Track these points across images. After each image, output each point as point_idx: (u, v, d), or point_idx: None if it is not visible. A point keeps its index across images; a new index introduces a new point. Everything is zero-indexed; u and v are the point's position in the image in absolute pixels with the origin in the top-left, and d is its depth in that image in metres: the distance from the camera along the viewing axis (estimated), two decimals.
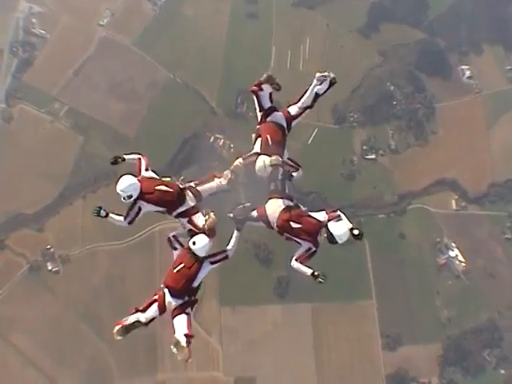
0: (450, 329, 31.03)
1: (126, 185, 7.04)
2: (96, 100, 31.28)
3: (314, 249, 7.08)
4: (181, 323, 6.84)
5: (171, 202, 7.36)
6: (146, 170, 7.49)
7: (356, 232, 6.89)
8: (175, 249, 7.46)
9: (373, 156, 31.24)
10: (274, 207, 7.37)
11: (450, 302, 31.04)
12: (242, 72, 30.40)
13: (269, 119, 7.72)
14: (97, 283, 29.89)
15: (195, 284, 7.09)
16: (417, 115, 31.79)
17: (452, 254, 31.37)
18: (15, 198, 30.82)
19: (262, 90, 7.62)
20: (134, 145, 30.91)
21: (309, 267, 7.09)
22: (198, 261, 7.03)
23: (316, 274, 7.01)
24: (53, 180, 30.87)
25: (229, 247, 7.39)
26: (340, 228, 6.87)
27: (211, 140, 30.75)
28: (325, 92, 7.76)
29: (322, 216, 7.12)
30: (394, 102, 31.87)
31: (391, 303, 30.42)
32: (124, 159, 7.53)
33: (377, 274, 30.56)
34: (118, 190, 7.06)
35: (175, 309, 6.97)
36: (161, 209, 7.41)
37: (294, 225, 7.05)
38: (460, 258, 31.34)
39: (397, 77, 32.38)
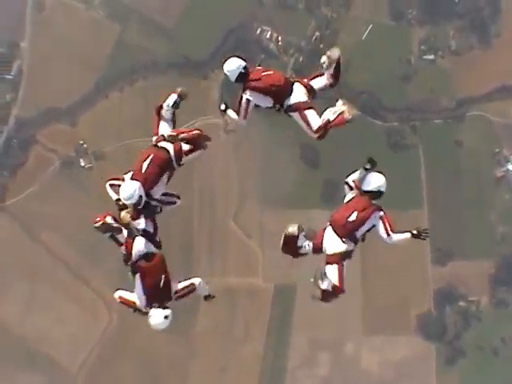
0: (503, 246, 29.08)
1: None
2: None
3: (381, 212, 6.37)
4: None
5: (279, 91, 6.44)
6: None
7: (368, 166, 6.39)
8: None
9: (431, 56, 28.80)
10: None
11: (505, 218, 28.93)
12: None
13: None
14: None
15: None
16: (481, 15, 29.13)
17: (511, 167, 29.16)
18: (47, 91, 29.02)
19: None
20: (174, 35, 28.91)
21: (404, 231, 6.33)
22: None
23: (415, 233, 6.21)
24: (87, 71, 28.95)
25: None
26: (374, 180, 6.34)
27: (258, 32, 28.54)
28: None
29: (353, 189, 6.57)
30: (457, 0, 29.21)
31: (443, 215, 28.43)
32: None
33: (430, 183, 28.51)
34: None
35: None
36: (268, 99, 6.50)
37: (351, 219, 6.29)
38: None
39: None
